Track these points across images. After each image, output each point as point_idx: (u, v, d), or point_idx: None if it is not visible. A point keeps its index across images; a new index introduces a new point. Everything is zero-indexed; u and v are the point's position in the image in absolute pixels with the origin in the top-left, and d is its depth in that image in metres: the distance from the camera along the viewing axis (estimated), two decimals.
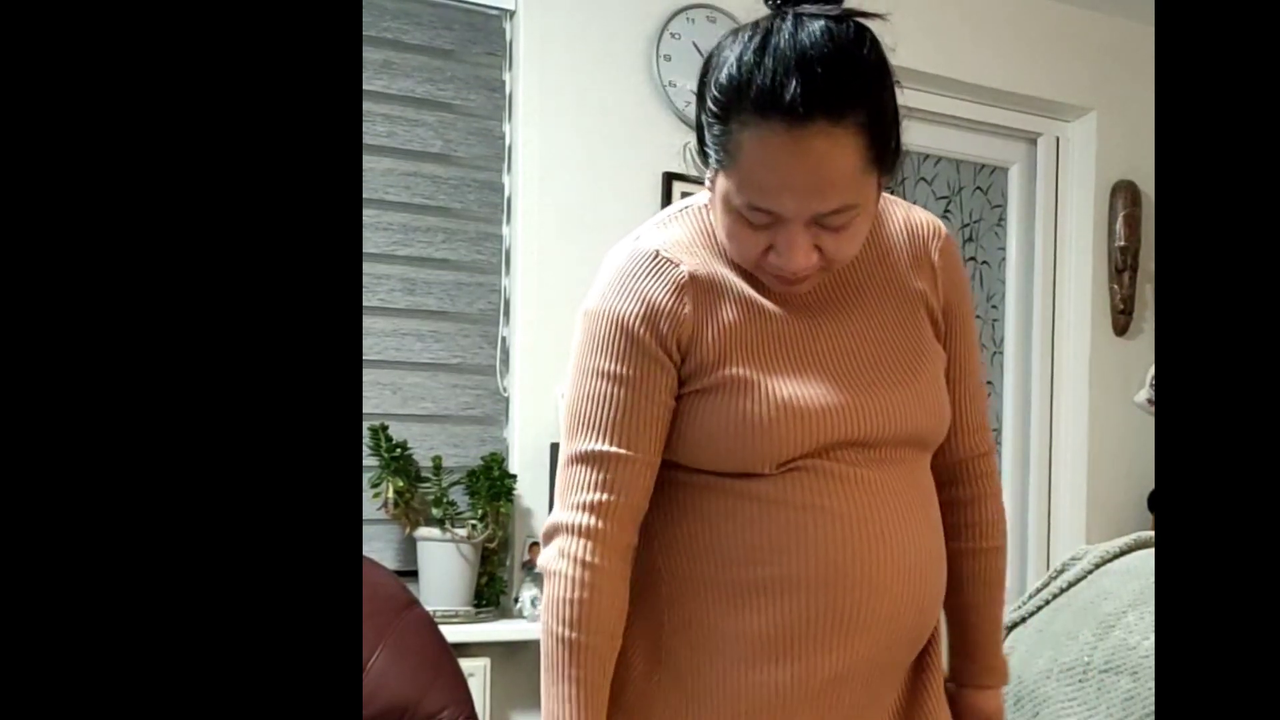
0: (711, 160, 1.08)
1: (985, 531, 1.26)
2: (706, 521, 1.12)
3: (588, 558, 1.09)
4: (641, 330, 1.12)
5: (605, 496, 1.10)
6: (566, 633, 1.09)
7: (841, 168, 1.02)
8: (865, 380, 1.13)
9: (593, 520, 1.10)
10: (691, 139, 1.14)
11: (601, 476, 1.11)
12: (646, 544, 1.16)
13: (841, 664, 1.09)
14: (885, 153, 1.05)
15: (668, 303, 1.12)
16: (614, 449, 1.11)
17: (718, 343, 1.12)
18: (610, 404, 1.12)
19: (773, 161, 1.01)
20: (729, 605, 1.10)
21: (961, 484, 1.26)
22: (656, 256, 1.14)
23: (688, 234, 1.16)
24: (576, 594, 1.09)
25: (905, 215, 1.23)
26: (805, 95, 0.98)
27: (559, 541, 1.11)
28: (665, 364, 1.12)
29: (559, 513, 1.13)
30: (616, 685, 1.14)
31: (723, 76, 1.04)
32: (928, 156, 3.54)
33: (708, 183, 1.12)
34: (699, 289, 1.13)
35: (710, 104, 1.05)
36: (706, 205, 1.17)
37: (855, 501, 1.10)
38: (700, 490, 1.13)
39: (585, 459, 1.12)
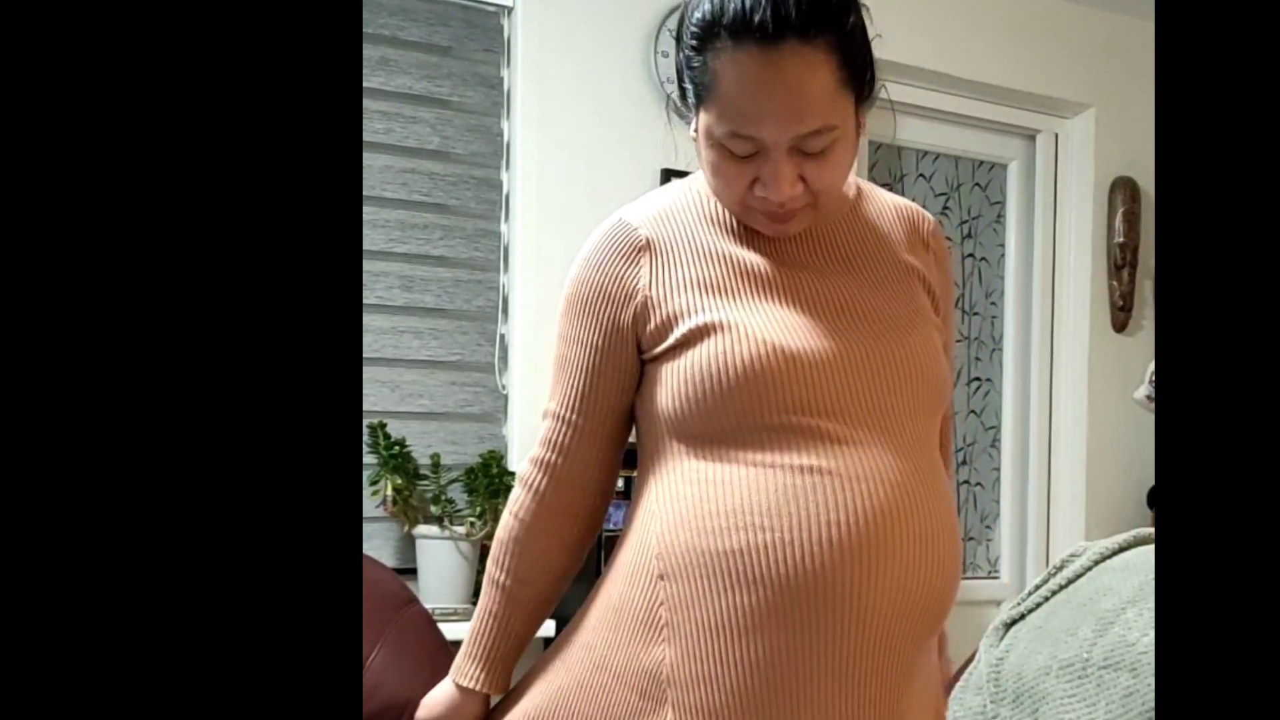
0: (690, 98, 1.13)
1: None
2: (702, 490, 1.11)
3: (523, 514, 1.23)
4: (596, 300, 1.17)
5: (552, 456, 1.21)
6: (493, 569, 1.26)
7: (816, 87, 1.06)
8: (855, 333, 1.13)
9: (538, 476, 1.22)
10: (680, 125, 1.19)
11: (554, 436, 1.21)
12: (643, 522, 1.15)
13: (856, 633, 1.06)
14: (859, 76, 1.10)
15: (622, 268, 1.16)
16: (566, 413, 1.20)
17: (688, 298, 1.13)
18: (568, 370, 1.21)
19: (749, 83, 1.06)
20: (730, 575, 1.08)
21: None
22: (619, 222, 1.19)
23: (669, 201, 1.20)
24: (505, 539, 1.24)
25: (892, 200, 1.27)
26: (775, 17, 1.04)
27: (516, 484, 1.25)
28: (612, 337, 1.16)
29: (527, 457, 1.25)
30: (621, 667, 1.13)
31: (698, 13, 1.09)
32: (926, 153, 3.54)
33: (692, 133, 1.15)
34: (657, 250, 1.16)
35: (689, 39, 1.10)
36: (695, 178, 1.21)
37: (854, 462, 1.08)
38: (695, 459, 1.12)
39: (548, 415, 1.23)
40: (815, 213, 1.14)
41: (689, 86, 1.13)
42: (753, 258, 1.15)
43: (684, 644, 1.10)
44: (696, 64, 1.10)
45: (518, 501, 1.23)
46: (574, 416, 1.20)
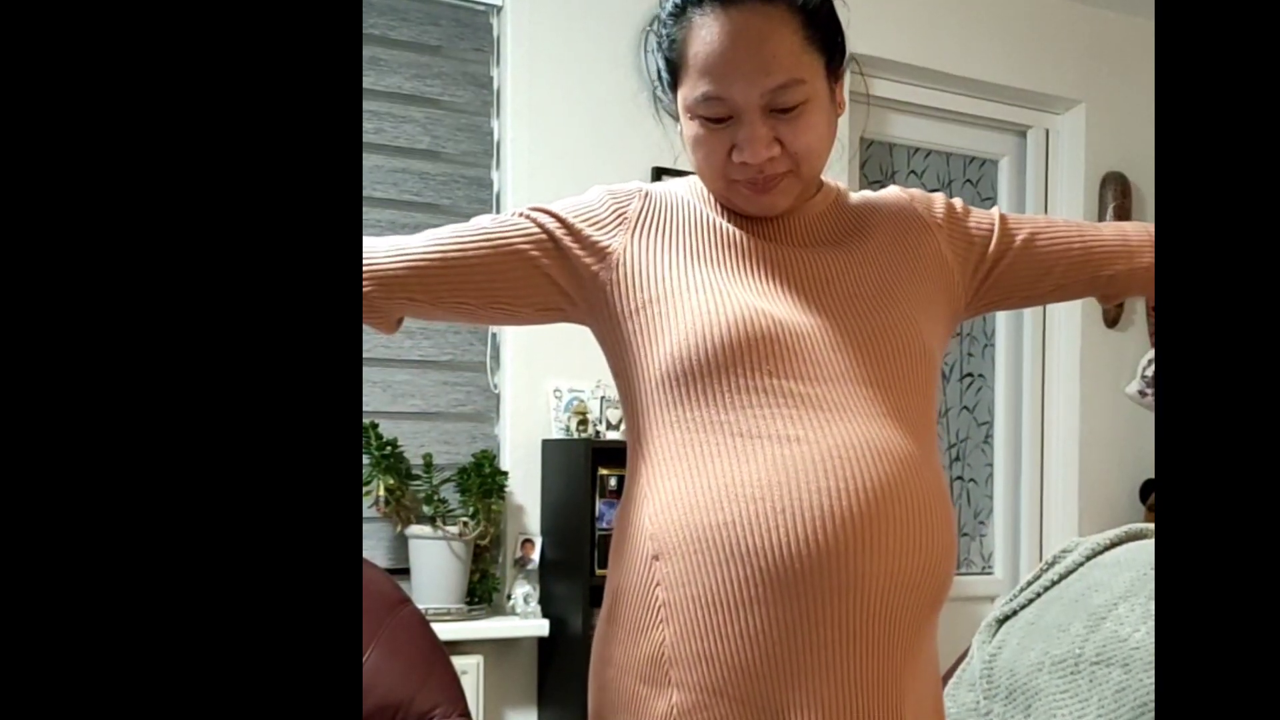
0: (664, 78, 1.17)
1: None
2: (692, 466, 1.10)
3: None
4: (582, 210, 1.18)
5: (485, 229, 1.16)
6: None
7: (780, 41, 1.09)
8: (841, 308, 1.15)
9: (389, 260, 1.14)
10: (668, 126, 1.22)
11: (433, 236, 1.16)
12: (635, 506, 1.14)
13: (852, 604, 1.05)
14: (826, 39, 1.13)
15: (614, 203, 1.18)
16: (458, 237, 1.16)
17: (672, 256, 1.15)
18: (499, 223, 1.17)
19: (714, 41, 1.10)
20: (724, 548, 1.07)
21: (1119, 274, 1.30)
22: (630, 182, 1.23)
23: (676, 185, 1.24)
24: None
25: (876, 193, 1.29)
26: None
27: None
28: (569, 249, 1.16)
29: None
30: (622, 658, 1.13)
31: (670, 2, 1.14)
32: (917, 149, 3.54)
33: (679, 130, 1.18)
34: (652, 202, 1.19)
35: (666, 20, 1.15)
36: (694, 176, 1.24)
37: (844, 431, 1.08)
38: (683, 432, 1.11)
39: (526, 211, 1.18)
40: (798, 183, 1.15)
41: (664, 70, 1.17)
42: (738, 232, 1.18)
43: (682, 622, 1.09)
44: (668, 44, 1.14)
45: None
46: (457, 244, 1.15)
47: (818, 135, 1.14)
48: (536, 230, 1.16)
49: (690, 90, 1.12)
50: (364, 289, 1.12)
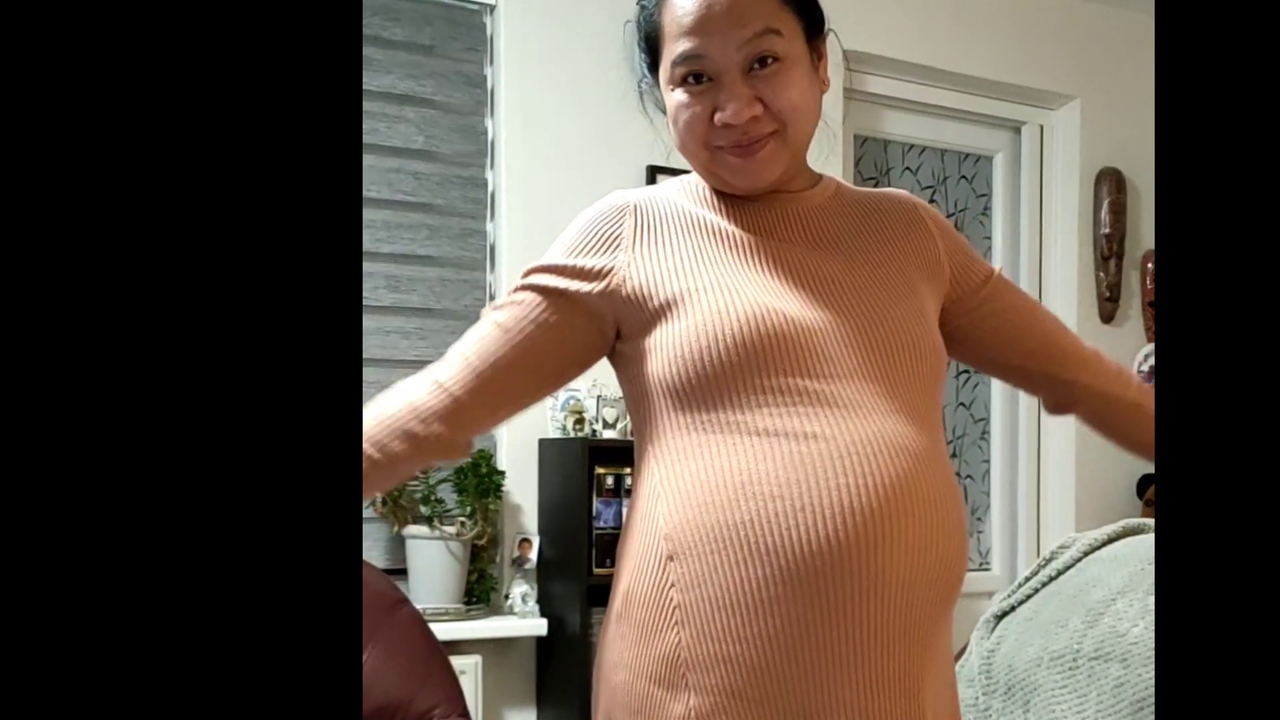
0: (645, 60, 1.18)
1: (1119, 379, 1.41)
2: (707, 464, 1.09)
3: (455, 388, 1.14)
4: (578, 247, 1.17)
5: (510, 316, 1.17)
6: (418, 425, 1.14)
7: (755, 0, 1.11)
8: (847, 305, 1.14)
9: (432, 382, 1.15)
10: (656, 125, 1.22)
11: (460, 348, 1.17)
12: (648, 505, 1.14)
13: (872, 601, 1.04)
14: (801, 2, 1.14)
15: (605, 225, 1.17)
16: (476, 347, 1.16)
17: (674, 262, 1.14)
18: (508, 308, 1.17)
19: (690, 4, 1.12)
20: (741, 547, 1.06)
21: (1082, 386, 1.39)
22: (612, 196, 1.21)
23: (666, 187, 1.23)
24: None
25: (874, 190, 1.29)
26: None
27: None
28: (577, 293, 1.15)
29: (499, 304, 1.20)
30: (635, 660, 1.12)
31: None
32: (912, 146, 3.54)
33: (668, 122, 1.18)
34: (642, 212, 1.18)
35: (644, 5, 1.17)
36: (685, 176, 1.24)
37: (859, 427, 1.07)
38: (696, 433, 1.10)
39: (526, 284, 1.18)
40: (785, 149, 1.14)
41: (645, 51, 1.18)
42: (740, 232, 1.16)
43: (698, 624, 1.08)
44: (645, 22, 1.16)
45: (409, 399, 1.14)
46: (478, 354, 1.15)
47: (800, 93, 1.13)
48: (539, 297, 1.16)
49: (669, 55, 1.12)
50: (434, 433, 1.12)
